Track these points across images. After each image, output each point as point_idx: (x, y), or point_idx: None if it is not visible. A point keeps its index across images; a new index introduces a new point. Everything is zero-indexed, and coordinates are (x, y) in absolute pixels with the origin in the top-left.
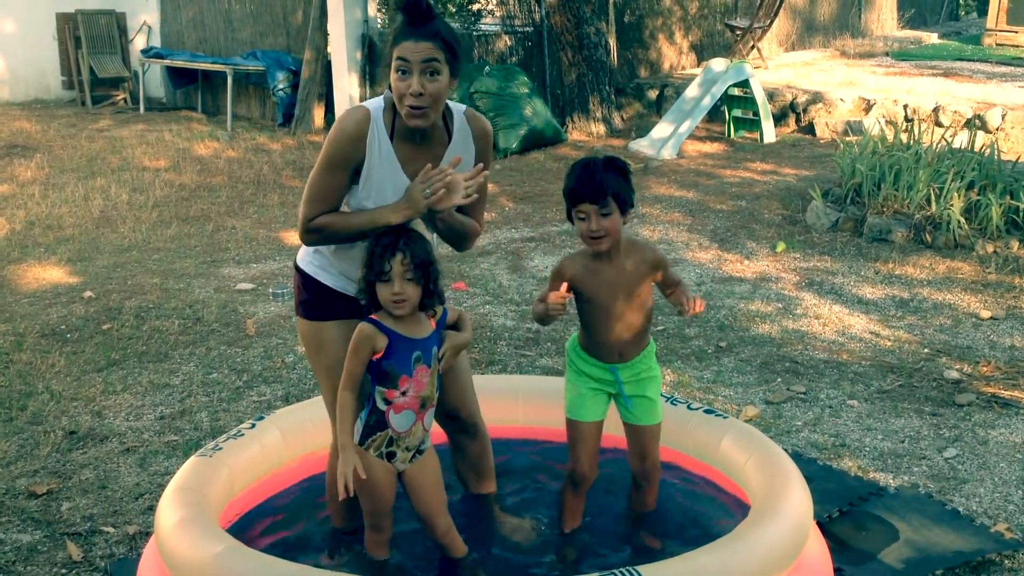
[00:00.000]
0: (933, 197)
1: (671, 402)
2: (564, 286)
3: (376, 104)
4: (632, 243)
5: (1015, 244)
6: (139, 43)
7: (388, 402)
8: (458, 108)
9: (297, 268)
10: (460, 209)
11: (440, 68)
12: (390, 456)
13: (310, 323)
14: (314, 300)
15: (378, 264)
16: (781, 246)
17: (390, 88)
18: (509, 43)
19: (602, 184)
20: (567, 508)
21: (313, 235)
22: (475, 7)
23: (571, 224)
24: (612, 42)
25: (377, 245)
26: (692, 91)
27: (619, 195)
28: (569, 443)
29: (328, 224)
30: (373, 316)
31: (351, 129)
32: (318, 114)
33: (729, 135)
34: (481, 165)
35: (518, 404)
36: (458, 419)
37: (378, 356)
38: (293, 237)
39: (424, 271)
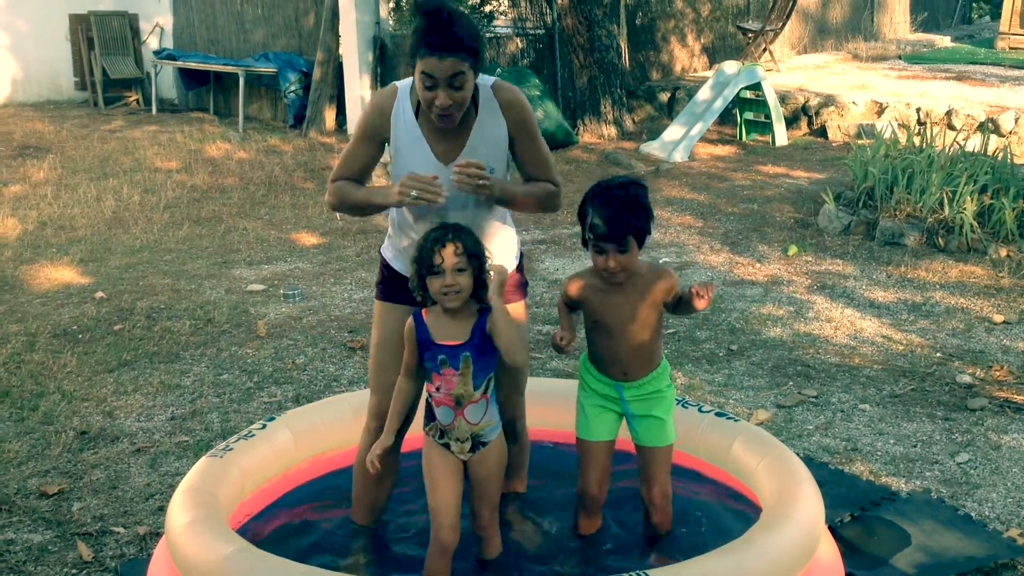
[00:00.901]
0: (946, 201)
1: (682, 405)
2: (568, 340)
3: (406, 83)
4: (646, 266)
5: None
6: (151, 44)
7: (430, 395)
8: (485, 82)
9: (380, 252)
10: (528, 177)
11: (466, 78)
12: (445, 447)
13: (378, 302)
14: (386, 283)
15: (428, 257)
16: (793, 249)
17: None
18: (521, 45)
19: (625, 227)
20: (580, 525)
21: (329, 197)
22: (487, 9)
23: (584, 248)
24: (624, 44)
25: (426, 240)
26: (704, 94)
27: (639, 229)
28: (580, 463)
29: (338, 190)
30: (423, 310)
31: (377, 101)
32: (329, 116)
33: (741, 138)
34: (467, 161)
35: (532, 407)
36: (501, 418)
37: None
38: (304, 239)
39: (477, 260)
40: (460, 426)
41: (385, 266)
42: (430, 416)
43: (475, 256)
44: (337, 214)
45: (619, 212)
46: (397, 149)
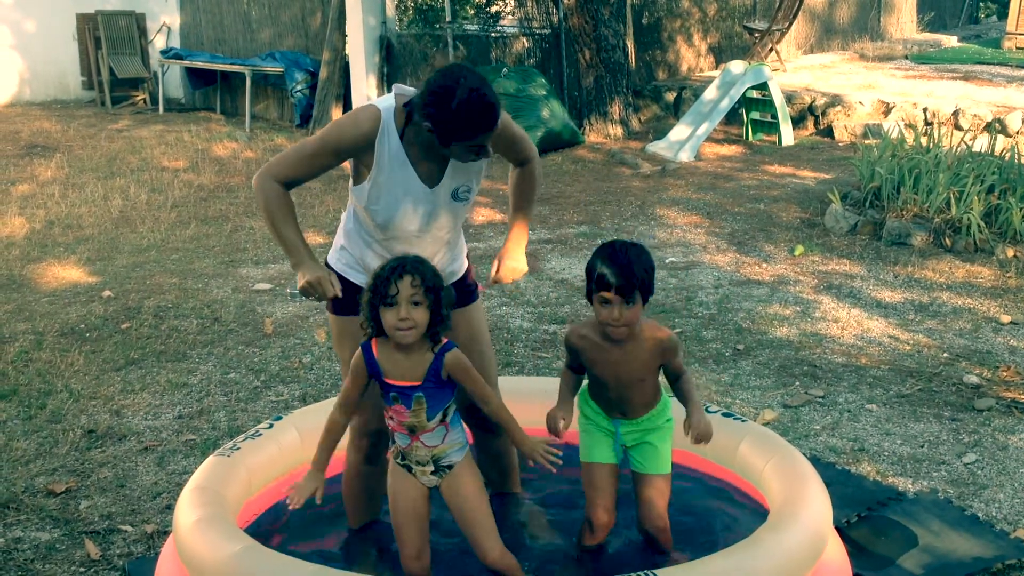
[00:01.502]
0: (953, 201)
1: None
2: (566, 423)
3: (387, 104)
4: (647, 325)
5: None
6: (158, 44)
7: (387, 420)
8: None
9: (327, 265)
10: (511, 160)
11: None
12: (408, 469)
13: (337, 317)
14: (342, 296)
15: (383, 287)
16: (799, 249)
17: (405, 105)
18: (527, 45)
19: (633, 279)
20: (583, 541)
21: (261, 192)
22: (493, 9)
23: (588, 303)
24: (630, 44)
25: (383, 268)
26: (710, 93)
27: (645, 284)
28: (584, 488)
29: (277, 201)
30: (372, 341)
31: (362, 126)
32: (336, 115)
33: (747, 138)
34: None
35: (535, 406)
36: (479, 413)
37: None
38: (310, 238)
39: (434, 295)
40: (417, 448)
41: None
42: (391, 439)
43: (433, 290)
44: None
45: (628, 265)
46: (379, 172)
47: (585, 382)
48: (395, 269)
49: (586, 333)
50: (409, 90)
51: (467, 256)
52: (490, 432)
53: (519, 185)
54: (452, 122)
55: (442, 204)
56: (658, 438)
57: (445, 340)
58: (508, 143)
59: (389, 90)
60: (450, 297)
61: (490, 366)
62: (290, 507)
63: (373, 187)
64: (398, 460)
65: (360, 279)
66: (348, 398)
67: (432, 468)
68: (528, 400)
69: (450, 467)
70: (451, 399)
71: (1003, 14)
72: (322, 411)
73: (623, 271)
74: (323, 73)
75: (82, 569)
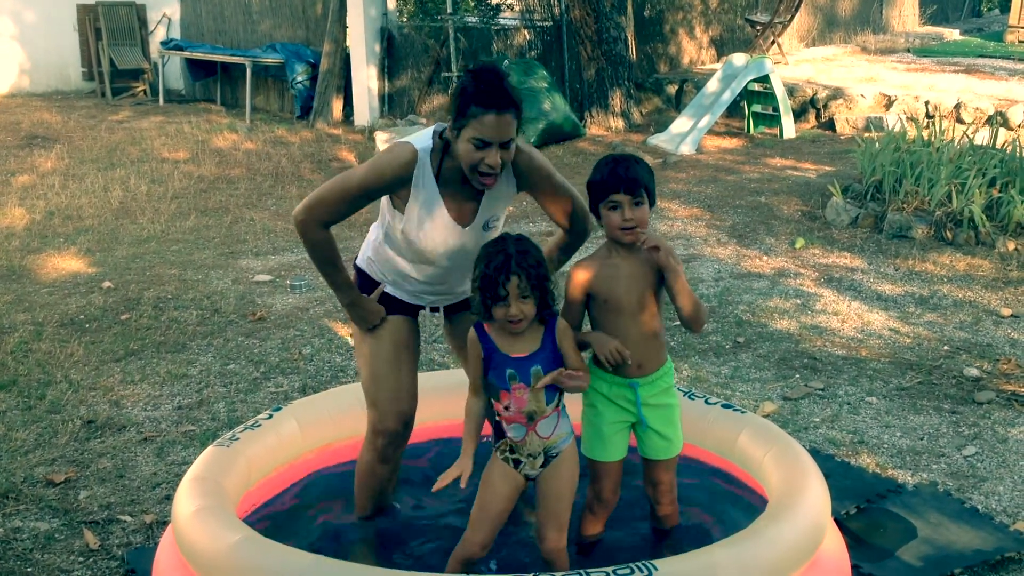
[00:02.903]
0: (954, 194)
1: (688, 396)
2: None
3: (423, 144)
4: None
5: None
6: (159, 35)
7: (498, 413)
8: None
9: (356, 267)
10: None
11: (516, 136)
12: (516, 463)
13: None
14: (365, 292)
15: (493, 288)
16: (800, 242)
17: (442, 134)
18: (528, 37)
19: (637, 175)
20: (585, 529)
21: (308, 240)
22: (494, 1)
23: (597, 220)
24: (632, 37)
25: (490, 267)
26: (712, 86)
27: (648, 188)
28: (591, 479)
29: (327, 251)
30: (484, 323)
31: (399, 171)
32: (336, 107)
33: (748, 131)
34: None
35: None
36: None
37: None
38: None
39: (540, 286)
40: (532, 441)
41: (361, 275)
42: (499, 433)
43: (539, 286)
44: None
45: (631, 167)
46: (414, 208)
47: (589, 355)
48: (501, 269)
49: (590, 263)
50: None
51: None
52: None
53: (561, 245)
54: (469, 85)
55: (474, 237)
56: (671, 427)
57: (554, 316)
58: (555, 204)
59: (390, 82)
60: (553, 286)
61: None
62: (433, 490)
63: (408, 218)
64: (506, 453)
65: (386, 287)
66: (473, 379)
67: (543, 460)
68: None
69: (557, 455)
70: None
71: (1005, 7)
72: (322, 402)
73: (627, 171)
74: (324, 64)
75: (81, 559)
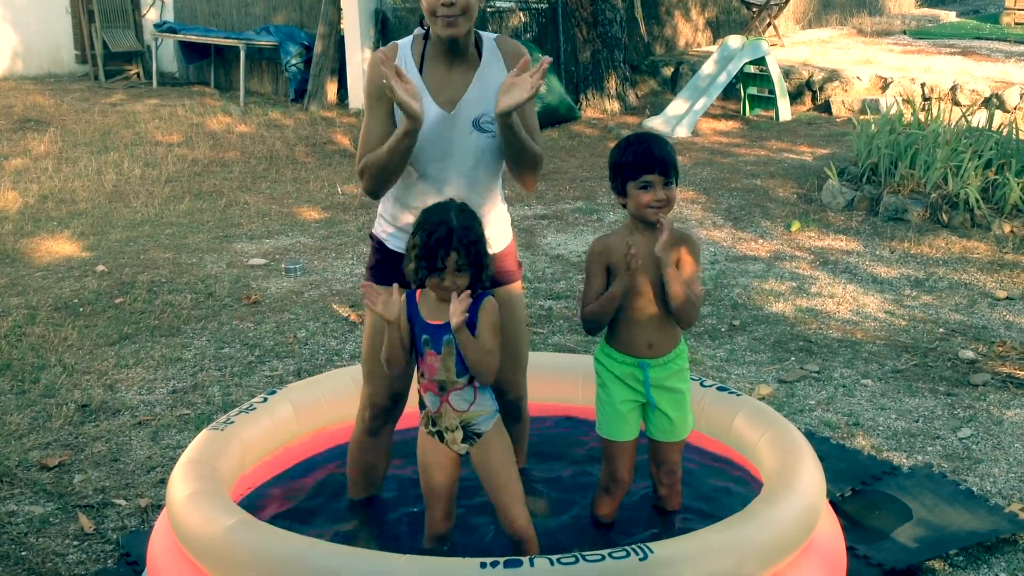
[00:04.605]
0: (950, 176)
1: None
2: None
3: (405, 40)
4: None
5: None
6: (152, 17)
7: (419, 383)
8: (489, 36)
9: (371, 236)
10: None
11: None
12: (440, 436)
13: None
14: (379, 266)
15: (431, 260)
16: (796, 225)
17: (420, 23)
18: (523, 19)
19: (672, 156)
20: (600, 510)
21: (363, 178)
22: None
23: (619, 196)
24: (640, 17)
25: (431, 239)
26: (708, 68)
27: (676, 168)
28: (605, 459)
29: (367, 161)
30: (417, 291)
31: (379, 58)
32: (331, 89)
33: (744, 113)
34: (549, 58)
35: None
36: (503, 399)
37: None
38: (306, 213)
39: (477, 262)
40: (447, 412)
41: (377, 248)
42: (422, 404)
43: (475, 259)
44: (376, 198)
45: (663, 145)
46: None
47: (603, 337)
48: (441, 241)
49: (610, 239)
50: None
51: (513, 239)
52: (510, 417)
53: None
54: None
55: (463, 131)
56: (683, 380)
57: (485, 292)
58: (528, 114)
59: None
60: (492, 268)
61: (524, 346)
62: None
63: (399, 116)
64: (429, 427)
65: (396, 244)
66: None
67: (462, 435)
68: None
69: (479, 435)
70: None
71: None
72: (317, 385)
73: (663, 151)
74: (318, 47)
75: (76, 542)
